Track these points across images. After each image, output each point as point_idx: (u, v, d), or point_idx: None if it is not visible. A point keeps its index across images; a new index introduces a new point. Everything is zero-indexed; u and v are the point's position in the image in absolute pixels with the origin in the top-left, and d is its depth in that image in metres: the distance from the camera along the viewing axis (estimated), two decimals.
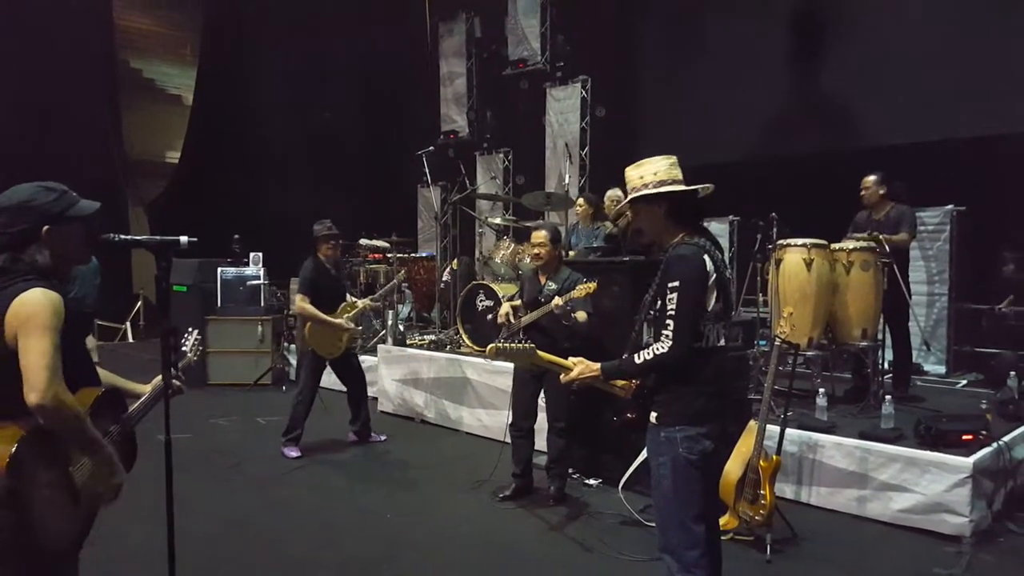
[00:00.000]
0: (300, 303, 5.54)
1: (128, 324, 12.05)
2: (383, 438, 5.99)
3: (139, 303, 12.29)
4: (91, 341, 9.89)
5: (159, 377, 2.45)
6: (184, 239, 2.45)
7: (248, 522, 4.36)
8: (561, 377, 2.75)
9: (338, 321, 5.58)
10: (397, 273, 5.87)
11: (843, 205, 5.92)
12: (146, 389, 2.44)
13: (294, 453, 5.53)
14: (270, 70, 12.89)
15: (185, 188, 13.47)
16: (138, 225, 13.54)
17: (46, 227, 2.07)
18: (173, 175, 14.24)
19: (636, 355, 2.53)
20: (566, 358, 2.81)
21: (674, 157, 2.67)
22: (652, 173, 2.61)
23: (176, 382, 2.46)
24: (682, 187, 2.60)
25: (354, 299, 5.96)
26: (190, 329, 2.97)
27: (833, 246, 5.34)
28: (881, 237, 5.26)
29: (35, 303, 1.95)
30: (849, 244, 5.35)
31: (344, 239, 9.14)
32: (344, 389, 5.95)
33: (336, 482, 5.08)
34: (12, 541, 1.91)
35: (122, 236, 2.42)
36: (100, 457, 2.12)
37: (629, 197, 2.66)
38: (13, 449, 1.89)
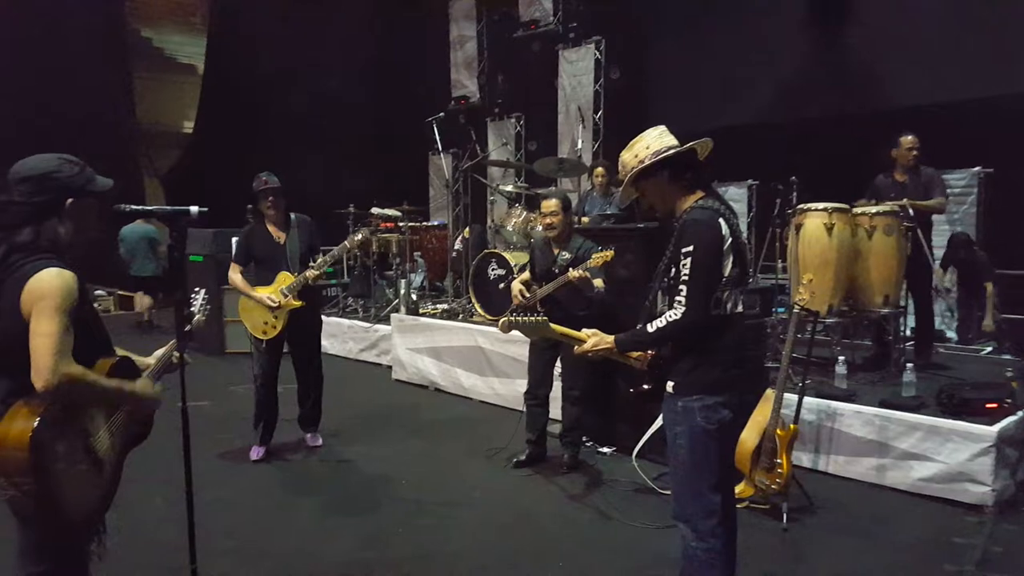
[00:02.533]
0: (230, 273, 4.75)
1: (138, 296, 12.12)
2: (319, 442, 5.09)
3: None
4: (146, 301, 10.21)
5: (162, 348, 2.45)
6: (195, 208, 2.43)
7: (265, 488, 4.39)
8: (575, 349, 2.72)
9: (261, 295, 4.60)
10: (349, 238, 4.98)
11: (866, 168, 5.77)
12: (150, 361, 2.42)
13: (255, 453, 4.82)
14: (279, 37, 12.75)
15: (199, 158, 13.47)
16: (154, 196, 13.59)
17: (70, 200, 2.08)
18: (188, 145, 14.22)
19: (649, 324, 2.48)
20: (580, 328, 2.77)
21: (662, 126, 2.63)
22: (644, 147, 2.57)
23: (177, 356, 2.45)
24: (676, 148, 2.54)
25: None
26: (196, 289, 2.95)
27: (855, 210, 5.21)
28: (912, 203, 5.11)
29: (49, 283, 1.95)
30: (872, 208, 5.21)
31: (359, 208, 9.20)
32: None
33: (351, 449, 5.09)
34: (39, 511, 1.97)
35: (133, 206, 2.41)
36: (129, 402, 2.20)
37: (629, 176, 2.60)
38: (35, 425, 1.91)
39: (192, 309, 2.89)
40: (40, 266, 1.97)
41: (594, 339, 2.66)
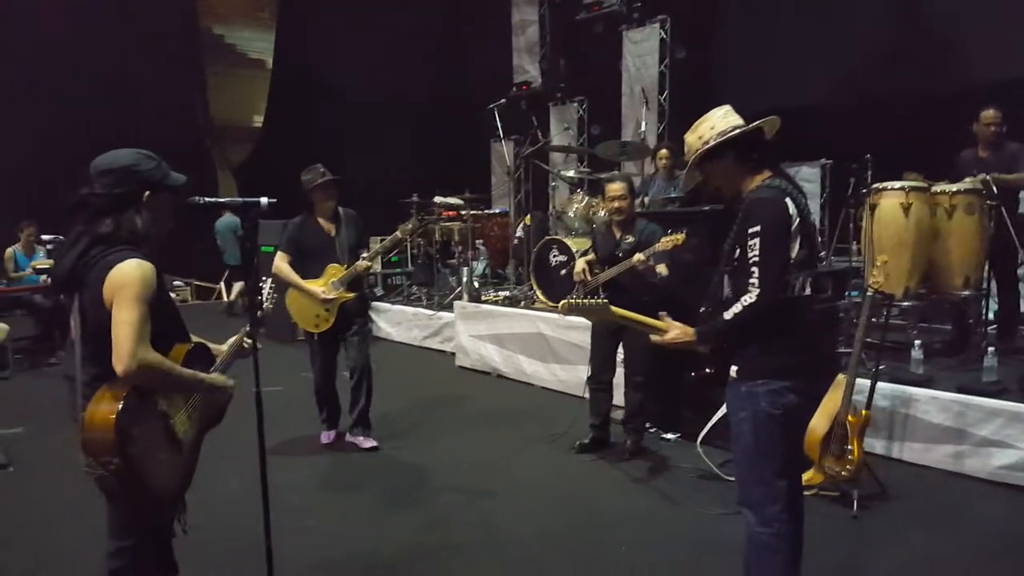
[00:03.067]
0: (277, 261, 4.59)
1: (222, 284, 12.60)
2: (371, 444, 4.83)
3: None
4: (236, 287, 11.29)
5: (235, 336, 2.55)
6: (264, 200, 2.51)
7: (333, 471, 4.52)
8: (653, 339, 2.64)
9: (313, 288, 4.50)
10: (400, 228, 4.96)
11: (945, 145, 5.50)
12: (223, 349, 2.53)
13: (325, 438, 4.91)
14: (342, 27, 12.97)
15: (268, 150, 13.86)
16: (227, 188, 14.06)
17: (147, 192, 2.18)
18: (258, 138, 14.64)
19: (726, 312, 2.41)
20: (645, 313, 2.72)
21: (728, 106, 2.54)
22: (709, 128, 2.50)
23: (248, 342, 2.54)
24: (742, 128, 2.47)
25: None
26: (264, 279, 3.05)
27: (934, 189, 4.99)
28: (996, 177, 4.85)
29: (129, 274, 2.05)
30: (952, 187, 4.97)
31: (421, 196, 9.31)
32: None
33: (415, 434, 5.19)
34: (124, 490, 2.08)
35: (206, 199, 2.51)
36: (204, 390, 2.29)
37: (693, 159, 2.54)
38: (119, 408, 2.02)
39: (260, 298, 3.00)
40: (121, 257, 2.07)
41: (675, 331, 2.58)
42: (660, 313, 2.66)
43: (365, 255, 4.73)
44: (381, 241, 5.30)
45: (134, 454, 2.04)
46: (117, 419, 2.00)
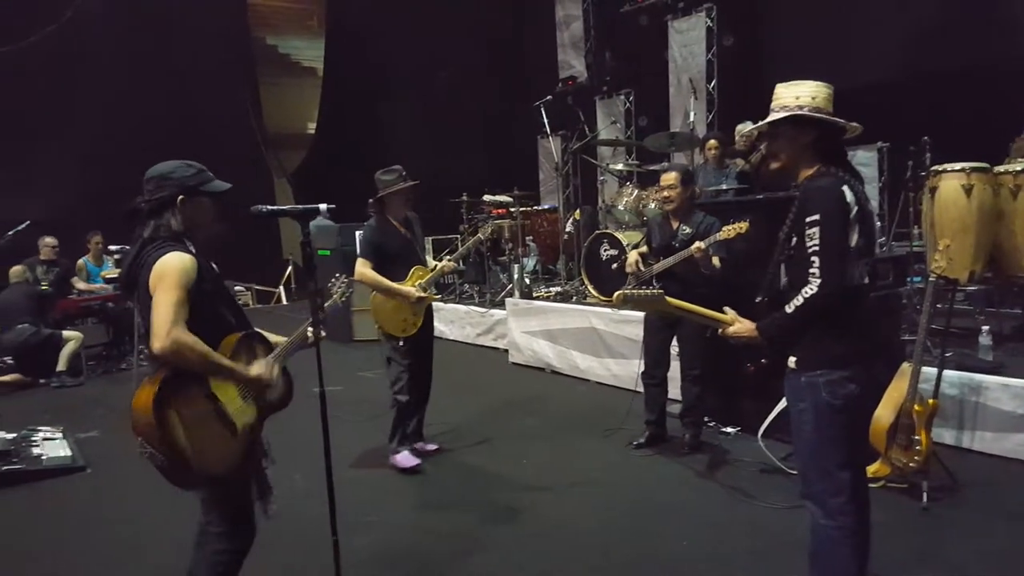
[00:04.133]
0: (360, 268, 4.42)
1: (281, 288, 12.96)
2: (434, 447, 4.85)
3: (288, 268, 13.19)
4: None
5: (299, 328, 2.65)
6: (324, 207, 2.61)
7: (392, 466, 4.55)
8: (720, 332, 2.60)
9: (407, 288, 4.38)
10: (481, 229, 5.01)
11: (1007, 125, 5.29)
12: (282, 340, 2.63)
13: (406, 461, 4.48)
14: (391, 32, 13.15)
15: (320, 156, 14.16)
16: (283, 195, 14.42)
17: (181, 197, 2.34)
18: (312, 145, 14.95)
19: (787, 305, 2.37)
20: (701, 305, 2.66)
21: (831, 88, 2.45)
22: (810, 97, 2.41)
23: (311, 333, 2.62)
24: (840, 121, 2.40)
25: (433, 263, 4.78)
26: (338, 274, 3.21)
27: (997, 169, 4.82)
28: None
29: (169, 264, 2.22)
30: (1016, 166, 4.79)
31: (471, 195, 9.39)
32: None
33: (472, 430, 5.25)
34: (171, 467, 2.20)
35: (268, 207, 2.60)
36: (240, 380, 2.38)
37: (778, 115, 2.44)
38: (157, 389, 2.16)
39: (333, 290, 3.18)
40: (164, 252, 2.25)
41: (738, 326, 2.55)
42: (724, 308, 2.61)
43: (448, 256, 4.79)
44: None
45: (174, 433, 2.17)
46: (155, 400, 2.14)
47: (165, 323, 2.14)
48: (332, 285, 3.21)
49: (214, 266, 2.43)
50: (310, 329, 2.62)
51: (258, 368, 2.43)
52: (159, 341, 2.14)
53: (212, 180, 2.43)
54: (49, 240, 8.06)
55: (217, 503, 2.42)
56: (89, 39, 11.27)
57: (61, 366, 7.26)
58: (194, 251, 2.33)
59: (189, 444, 2.20)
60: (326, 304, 2.93)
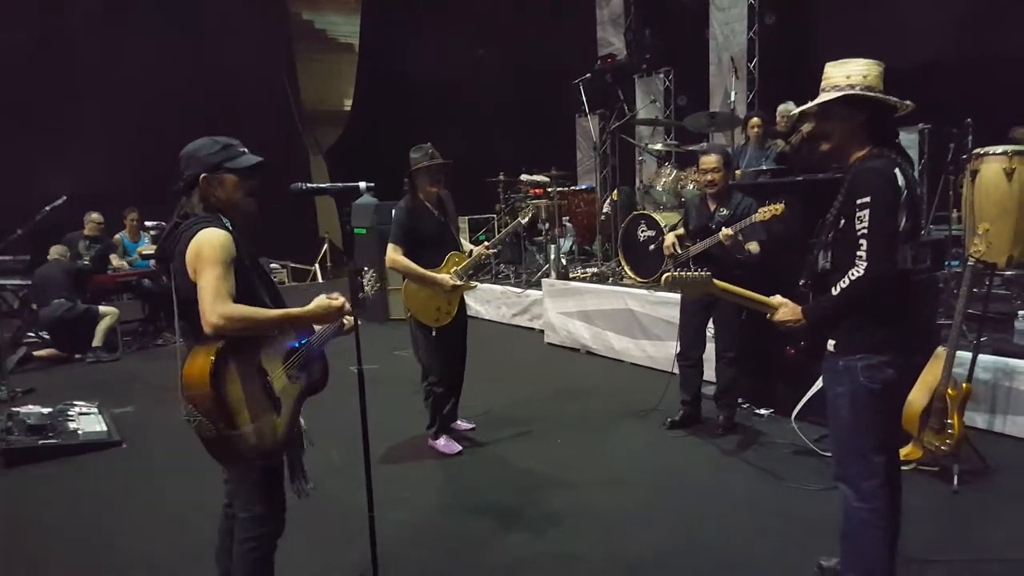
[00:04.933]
0: (391, 254, 4.22)
1: (317, 266, 13.13)
2: (468, 425, 4.84)
3: (325, 246, 13.32)
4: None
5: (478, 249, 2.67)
6: (363, 185, 2.62)
7: (429, 445, 4.61)
8: (768, 316, 2.60)
9: (441, 276, 4.19)
10: (521, 213, 4.81)
11: None
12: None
13: (448, 448, 4.45)
14: (426, 7, 13.10)
15: (356, 133, 14.22)
16: (319, 172, 14.56)
17: (203, 175, 2.33)
18: (348, 122, 15.01)
19: (833, 288, 2.37)
20: (739, 287, 2.70)
21: (882, 66, 2.41)
22: (861, 75, 2.36)
23: (348, 320, 2.64)
24: (894, 99, 2.38)
25: (469, 247, 4.56)
26: (365, 268, 3.20)
27: None
28: None
29: (204, 241, 2.22)
30: None
31: (507, 175, 9.42)
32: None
33: (507, 409, 5.34)
34: (218, 437, 2.21)
35: (308, 185, 2.65)
36: (296, 324, 2.44)
37: (830, 96, 2.39)
38: (212, 360, 2.17)
39: (365, 281, 3.15)
40: (197, 229, 2.25)
41: (784, 311, 2.54)
42: (775, 296, 2.61)
43: (486, 242, 4.69)
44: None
45: (228, 402, 2.18)
46: (212, 371, 2.15)
47: (210, 301, 2.16)
48: (364, 274, 3.15)
49: (251, 243, 2.42)
50: (348, 319, 2.62)
51: (322, 300, 2.47)
52: (208, 320, 2.15)
53: (239, 156, 2.37)
54: (95, 216, 8.17)
55: (248, 485, 2.41)
56: (128, 14, 11.40)
57: (97, 341, 7.34)
58: (230, 228, 2.31)
59: (239, 415, 2.21)
60: (361, 295, 2.91)
